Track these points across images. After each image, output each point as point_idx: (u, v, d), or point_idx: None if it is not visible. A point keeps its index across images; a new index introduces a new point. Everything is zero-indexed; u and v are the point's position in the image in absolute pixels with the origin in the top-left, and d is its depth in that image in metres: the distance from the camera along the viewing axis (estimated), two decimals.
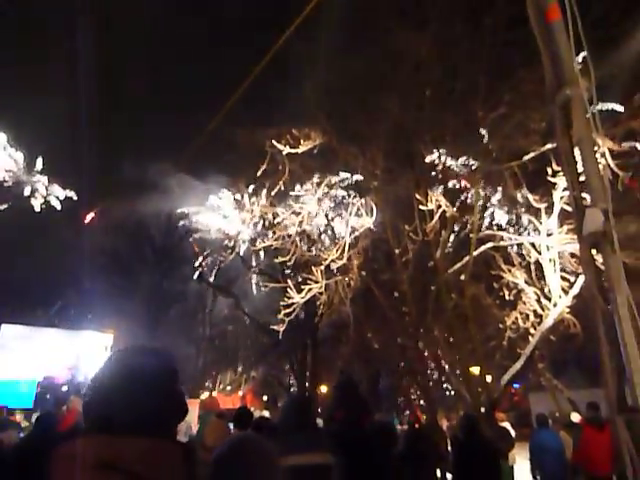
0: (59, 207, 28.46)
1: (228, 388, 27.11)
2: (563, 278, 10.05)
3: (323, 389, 28.33)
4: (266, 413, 16.59)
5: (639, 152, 9.54)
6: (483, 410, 10.71)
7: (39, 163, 27.26)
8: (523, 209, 10.78)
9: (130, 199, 24.27)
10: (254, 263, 15.72)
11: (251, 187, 11.20)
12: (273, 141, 10.39)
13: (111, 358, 1.18)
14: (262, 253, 14.04)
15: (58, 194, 28.46)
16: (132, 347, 1.22)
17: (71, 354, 22.67)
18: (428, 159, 10.82)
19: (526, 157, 10.54)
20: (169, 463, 1.07)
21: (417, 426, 12.54)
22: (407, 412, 19.47)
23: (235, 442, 1.50)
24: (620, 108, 10.38)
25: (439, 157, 11.04)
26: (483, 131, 10.98)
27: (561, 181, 9.46)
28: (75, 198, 28.83)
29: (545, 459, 8.10)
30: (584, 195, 2.78)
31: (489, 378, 12.74)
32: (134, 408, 1.07)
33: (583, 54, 3.08)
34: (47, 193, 28.16)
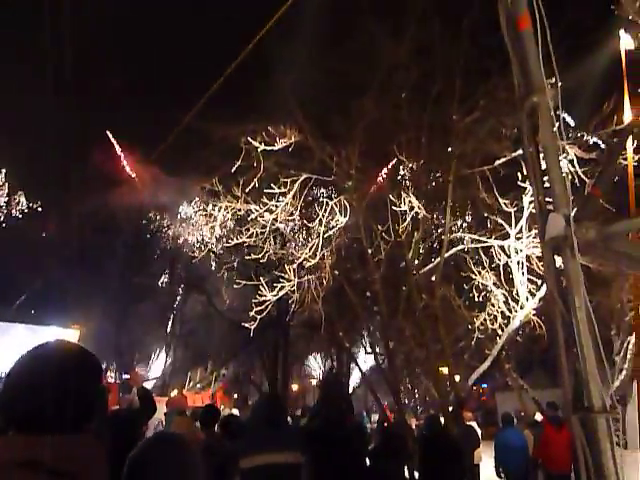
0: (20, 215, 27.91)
1: (198, 386, 26.87)
2: (530, 281, 10.29)
3: (294, 387, 28.36)
4: (235, 411, 16.53)
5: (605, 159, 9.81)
6: (451, 409, 10.89)
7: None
8: (494, 213, 10.98)
9: (100, 193, 23.86)
10: (226, 260, 15.59)
11: (225, 183, 11.10)
12: (248, 138, 10.33)
13: (27, 354, 1.14)
14: (235, 250, 13.94)
15: (22, 206, 27.90)
16: (49, 342, 1.19)
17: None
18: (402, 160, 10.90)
19: (498, 162, 10.75)
20: (91, 459, 1.05)
21: (386, 425, 12.69)
22: (375, 411, 19.66)
23: (146, 444, 1.44)
24: (572, 122, 10.71)
25: (412, 163, 11.17)
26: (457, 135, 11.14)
27: (531, 186, 9.68)
28: (40, 210, 28.28)
29: (509, 457, 8.32)
30: (548, 200, 2.86)
31: (457, 378, 12.96)
32: (51, 405, 1.04)
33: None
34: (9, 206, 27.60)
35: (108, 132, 27.43)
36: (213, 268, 21.21)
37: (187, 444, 1.47)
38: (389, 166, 11.57)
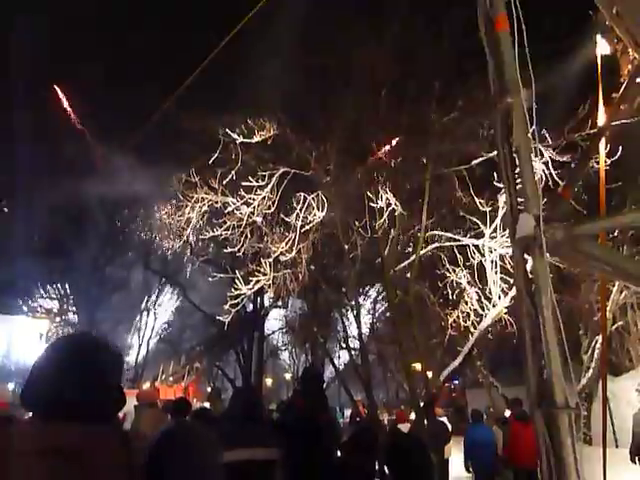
0: None
1: (171, 379, 26.61)
2: (503, 280, 10.46)
3: (268, 381, 28.35)
4: (207, 404, 16.41)
5: (577, 163, 10.01)
6: (422, 404, 11.03)
7: None
8: (469, 212, 11.12)
9: (71, 181, 23.34)
10: (202, 253, 15.45)
11: (202, 175, 10.98)
12: (227, 130, 10.24)
13: (52, 344, 1.17)
14: (211, 243, 13.82)
15: None
16: (74, 334, 1.23)
17: (2, 340, 21.60)
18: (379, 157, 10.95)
19: (474, 161, 10.89)
20: (108, 447, 1.07)
21: (358, 420, 12.78)
22: (347, 406, 19.79)
23: (171, 429, 1.48)
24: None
25: (390, 160, 11.22)
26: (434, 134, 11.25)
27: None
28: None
29: (478, 452, 8.47)
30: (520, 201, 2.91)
31: (430, 374, 13.13)
32: (74, 394, 1.06)
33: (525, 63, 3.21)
34: None
35: (56, 87, 26.85)
36: (188, 261, 21.01)
37: (203, 429, 1.50)
38: (367, 163, 11.60)
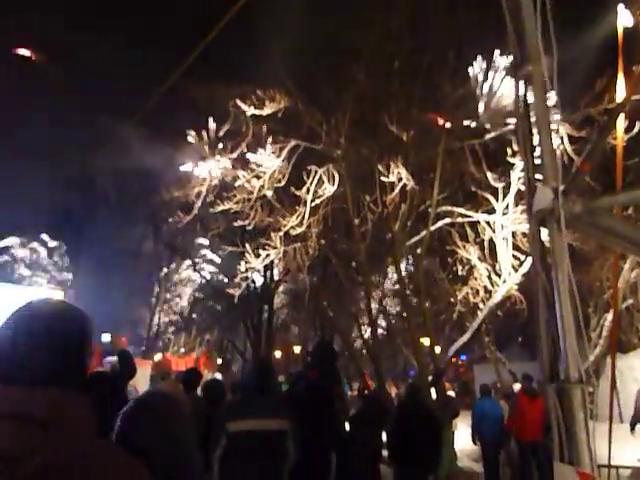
0: None
1: (182, 350, 27.04)
2: (514, 257, 10.39)
3: (277, 354, 28.71)
4: (218, 376, 16.70)
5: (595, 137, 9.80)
6: (430, 379, 11.12)
7: None
8: (481, 187, 10.99)
9: (81, 153, 23.32)
10: (212, 226, 15.46)
11: (212, 146, 10.90)
12: (237, 101, 10.11)
13: (16, 310, 1.15)
14: (221, 216, 13.81)
15: None
16: (37, 299, 1.21)
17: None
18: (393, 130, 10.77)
19: (488, 136, 10.69)
20: (78, 413, 1.05)
21: (366, 393, 12.93)
22: (356, 379, 20.02)
23: (143, 398, 1.50)
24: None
25: (402, 133, 11.02)
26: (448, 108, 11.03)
27: (519, 162, 9.68)
28: None
29: (485, 425, 8.55)
30: (537, 175, 2.84)
31: (438, 349, 13.20)
32: (38, 358, 1.05)
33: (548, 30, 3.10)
34: None
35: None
36: (198, 234, 21.05)
37: (177, 399, 1.51)
38: (378, 136, 11.42)
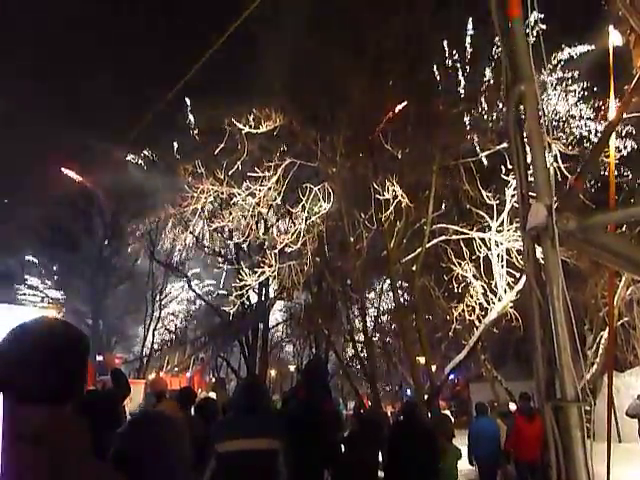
0: None
1: (176, 369, 26.74)
2: (509, 274, 10.41)
3: (272, 373, 28.44)
4: (212, 394, 16.48)
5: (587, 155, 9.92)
6: (426, 397, 11.03)
7: None
8: (476, 205, 11.05)
9: (78, 171, 23.36)
10: (208, 244, 15.44)
11: (208, 166, 10.94)
12: (233, 119, 10.18)
13: (13, 327, 1.15)
14: (216, 234, 13.80)
15: None
16: (36, 318, 1.20)
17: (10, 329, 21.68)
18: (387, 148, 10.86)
19: (482, 154, 10.80)
20: (71, 431, 1.04)
21: (362, 411, 12.79)
22: (352, 398, 19.83)
23: (138, 418, 1.50)
24: None
25: (397, 151, 11.11)
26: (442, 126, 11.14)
27: (514, 179, 9.75)
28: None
29: (482, 445, 8.44)
30: (531, 193, 2.86)
31: (434, 367, 13.12)
32: (34, 376, 1.04)
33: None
34: None
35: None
36: (193, 252, 21.01)
37: (173, 419, 1.52)
38: (374, 154, 11.50)
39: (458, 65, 11.55)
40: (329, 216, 10.90)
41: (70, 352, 1.15)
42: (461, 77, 11.70)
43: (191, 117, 11.94)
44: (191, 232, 12.17)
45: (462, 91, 10.97)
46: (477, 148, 10.69)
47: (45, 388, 1.05)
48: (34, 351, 1.08)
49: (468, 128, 11.17)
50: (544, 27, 2.91)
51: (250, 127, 10.22)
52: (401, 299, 11.89)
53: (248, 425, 3.56)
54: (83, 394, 1.17)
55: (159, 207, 13.89)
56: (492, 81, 10.43)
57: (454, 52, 11.40)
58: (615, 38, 6.83)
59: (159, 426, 1.41)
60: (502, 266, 10.35)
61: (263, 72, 11.80)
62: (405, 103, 11.13)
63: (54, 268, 29.12)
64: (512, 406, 11.33)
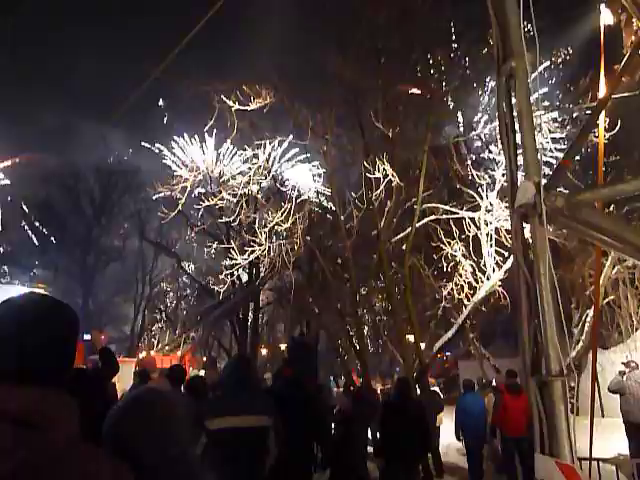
0: None
1: (167, 348, 26.83)
2: (498, 253, 10.49)
3: (263, 352, 28.64)
4: (202, 373, 16.59)
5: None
6: (415, 375, 11.18)
7: None
8: (466, 184, 11.06)
9: (62, 149, 23.03)
10: (198, 222, 15.36)
11: (196, 143, 10.81)
12: (222, 96, 10.03)
13: (0, 303, 1.10)
14: (206, 213, 13.72)
15: None
16: (21, 294, 1.15)
17: None
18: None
19: (473, 133, 10.78)
20: (62, 412, 1.01)
21: (352, 389, 12.96)
22: (344, 376, 20.06)
23: (138, 395, 1.46)
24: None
25: (388, 130, 11.03)
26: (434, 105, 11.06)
27: (503, 159, 9.77)
28: None
29: (468, 420, 8.60)
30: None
31: (423, 345, 13.27)
32: (17, 355, 1.01)
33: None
34: None
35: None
36: (183, 231, 20.93)
37: (169, 397, 1.48)
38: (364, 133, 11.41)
39: (452, 45, 11.41)
40: (320, 195, 10.87)
41: (59, 329, 1.10)
42: (454, 55, 11.56)
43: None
44: (180, 211, 12.05)
45: (455, 70, 10.85)
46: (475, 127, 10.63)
47: (33, 368, 1.01)
48: (21, 328, 1.04)
49: (460, 107, 11.11)
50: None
51: (239, 104, 10.08)
52: (391, 278, 11.93)
53: (237, 403, 3.58)
54: (70, 375, 1.12)
55: (148, 186, 13.75)
56: (485, 58, 10.31)
57: (448, 30, 11.24)
58: (606, 17, 6.79)
59: (155, 404, 1.38)
60: (491, 245, 10.43)
61: (253, 50, 11.59)
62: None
63: (42, 247, 28.91)
64: (494, 381, 11.56)
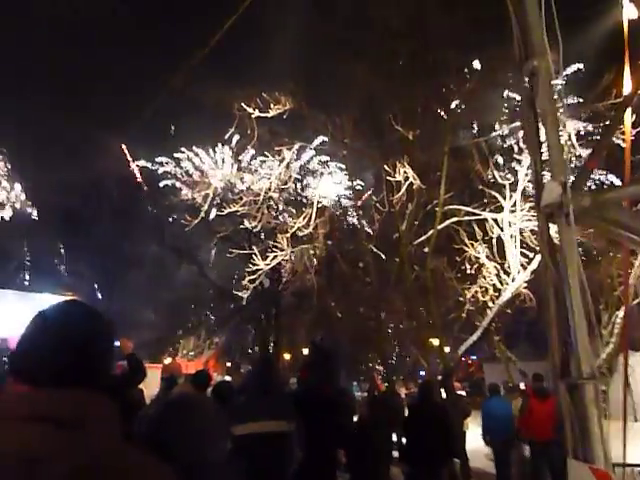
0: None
1: (191, 354, 27.10)
2: (523, 254, 10.32)
3: (286, 356, 28.70)
4: (228, 378, 16.72)
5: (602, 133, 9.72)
6: (440, 379, 11.05)
7: None
8: (488, 185, 10.93)
9: (83, 157, 23.50)
10: (219, 229, 15.49)
11: (218, 150, 10.93)
12: (242, 104, 10.11)
13: (40, 312, 1.15)
14: (227, 219, 13.84)
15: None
16: (61, 301, 1.20)
17: (27, 317, 22.01)
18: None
19: (494, 133, 10.65)
20: (104, 415, 1.04)
21: (376, 394, 12.89)
22: (366, 380, 19.97)
23: (174, 399, 1.49)
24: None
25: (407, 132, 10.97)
26: (452, 105, 10.99)
27: (526, 158, 9.62)
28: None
29: (495, 425, 8.47)
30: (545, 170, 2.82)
31: (447, 349, 13.12)
32: (63, 359, 1.04)
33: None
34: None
35: (124, 146, 26.33)
36: (205, 237, 21.12)
37: (205, 401, 1.51)
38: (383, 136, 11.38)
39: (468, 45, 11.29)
40: (340, 199, 10.87)
41: (102, 335, 1.15)
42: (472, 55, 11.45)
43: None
44: (202, 217, 12.17)
45: (474, 69, 10.74)
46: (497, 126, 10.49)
47: (79, 372, 1.05)
48: (66, 334, 1.08)
49: (479, 108, 10.99)
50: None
51: (259, 111, 10.15)
52: (412, 281, 11.84)
53: (260, 408, 3.58)
54: (110, 378, 1.17)
55: (170, 194, 13.95)
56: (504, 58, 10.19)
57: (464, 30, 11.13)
58: (630, 10, 6.64)
59: (192, 408, 1.40)
60: (515, 246, 10.27)
61: (270, 57, 11.69)
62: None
63: (65, 254, 29.52)
64: (522, 385, 11.38)
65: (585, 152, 8.42)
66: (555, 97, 2.71)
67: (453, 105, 10.80)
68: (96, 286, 27.24)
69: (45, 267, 28.25)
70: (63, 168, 26.03)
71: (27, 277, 28.62)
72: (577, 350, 2.18)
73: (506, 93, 11.33)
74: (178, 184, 12.96)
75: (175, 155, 19.36)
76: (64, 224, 27.73)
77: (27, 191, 27.90)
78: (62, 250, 29.31)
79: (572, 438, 2.15)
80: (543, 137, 2.72)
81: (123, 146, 25.74)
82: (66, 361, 1.05)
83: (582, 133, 9.78)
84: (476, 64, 10.69)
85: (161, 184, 22.01)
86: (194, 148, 11.85)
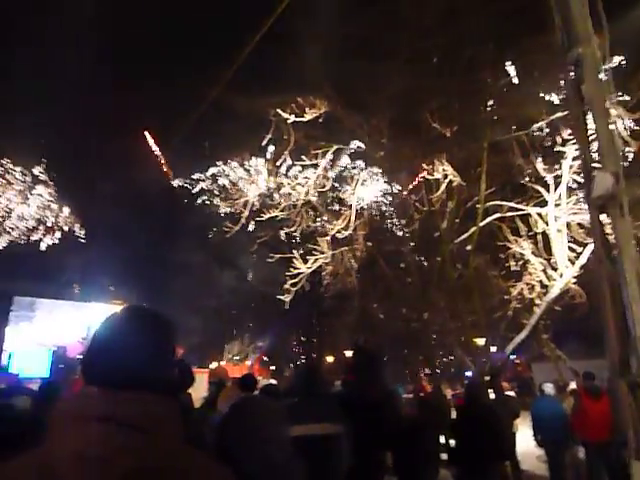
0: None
1: (236, 358, 27.53)
2: (570, 249, 9.98)
3: (329, 359, 28.75)
4: (273, 381, 16.88)
5: None
6: (488, 379, 10.81)
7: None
8: (531, 179, 10.63)
9: (129, 168, 24.27)
10: (259, 235, 15.68)
11: (255, 157, 11.09)
12: (278, 109, 10.22)
13: (109, 316, 1.19)
14: (267, 224, 14.01)
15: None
16: (130, 306, 1.24)
17: (82, 326, 22.88)
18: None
19: (535, 125, 10.35)
20: (169, 417, 1.08)
21: (422, 395, 12.73)
22: (412, 381, 19.73)
23: (240, 403, 1.51)
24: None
25: (445, 129, 10.80)
26: (490, 100, 10.76)
27: (570, 150, 9.30)
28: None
29: (546, 426, 8.23)
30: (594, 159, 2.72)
31: (493, 348, 12.82)
32: (131, 362, 1.08)
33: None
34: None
35: (147, 133, 27.25)
36: (246, 244, 21.44)
37: (271, 405, 1.53)
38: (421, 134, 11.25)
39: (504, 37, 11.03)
40: (379, 200, 10.83)
41: (164, 340, 1.19)
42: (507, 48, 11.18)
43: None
44: (243, 224, 12.36)
45: (511, 61, 10.47)
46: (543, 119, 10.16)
47: (146, 375, 1.09)
48: (130, 339, 1.11)
49: (517, 100, 10.70)
50: None
51: (295, 116, 10.23)
52: (456, 280, 11.65)
53: (308, 410, 3.59)
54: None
55: (211, 202, 14.22)
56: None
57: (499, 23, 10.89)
58: None
59: (259, 412, 1.41)
60: (562, 241, 9.93)
61: (303, 61, 11.75)
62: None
63: (113, 266, 30.56)
64: (573, 384, 10.98)
65: (634, 142, 8.05)
66: (604, 83, 2.61)
67: (491, 100, 10.54)
68: (143, 295, 28.07)
69: (94, 279, 29.32)
70: (106, 184, 26.95)
71: (77, 289, 29.75)
72: (637, 346, 2.09)
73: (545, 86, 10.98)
74: (216, 201, 13.24)
75: (211, 170, 19.78)
76: (110, 238, 28.75)
77: (74, 210, 29.01)
78: (109, 262, 30.36)
79: (636, 439, 2.06)
80: (590, 126, 2.63)
81: (146, 133, 26.36)
82: (134, 364, 1.08)
83: (631, 124, 9.34)
84: (512, 56, 10.40)
85: (199, 200, 22.52)
86: (229, 161, 12.04)
